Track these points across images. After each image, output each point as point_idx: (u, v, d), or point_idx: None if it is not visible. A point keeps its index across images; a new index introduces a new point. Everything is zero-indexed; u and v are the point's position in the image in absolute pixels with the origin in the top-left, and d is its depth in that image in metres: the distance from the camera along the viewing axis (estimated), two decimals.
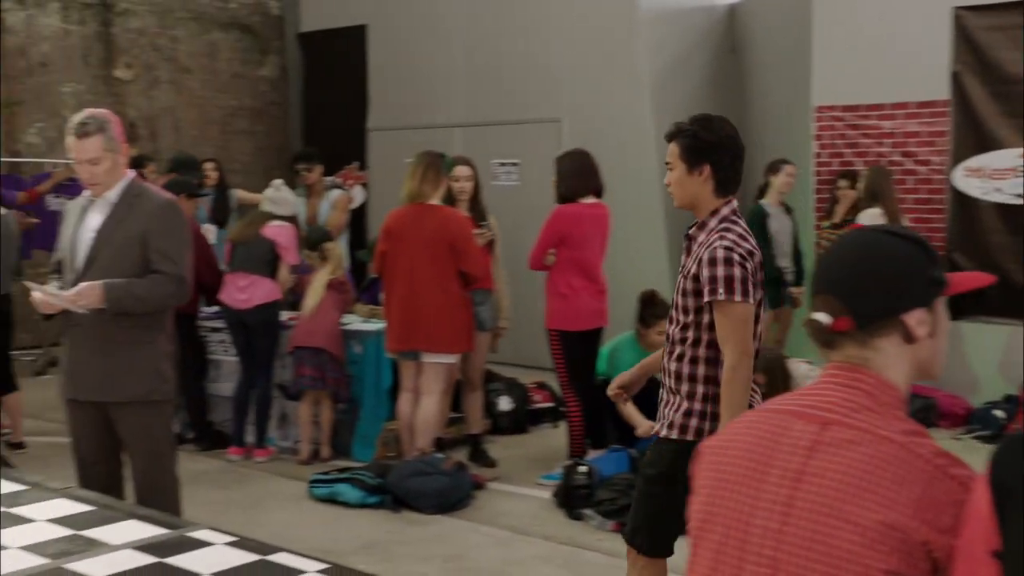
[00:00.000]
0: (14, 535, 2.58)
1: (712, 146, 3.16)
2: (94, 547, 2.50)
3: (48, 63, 10.48)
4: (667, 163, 3.23)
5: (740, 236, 3.15)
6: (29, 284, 3.72)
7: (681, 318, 3.19)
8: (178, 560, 2.41)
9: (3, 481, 3.04)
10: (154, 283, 3.63)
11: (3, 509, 2.78)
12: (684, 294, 3.18)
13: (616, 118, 8.61)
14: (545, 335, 5.78)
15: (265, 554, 2.47)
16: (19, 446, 6.05)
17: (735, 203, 3.24)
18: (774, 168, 7.12)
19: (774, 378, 5.12)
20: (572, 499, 4.97)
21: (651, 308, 5.61)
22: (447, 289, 5.37)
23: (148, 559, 2.41)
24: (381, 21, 10.39)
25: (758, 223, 7.03)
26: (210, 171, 8.46)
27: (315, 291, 5.96)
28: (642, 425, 5.57)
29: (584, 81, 8.78)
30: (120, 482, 3.89)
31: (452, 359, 5.56)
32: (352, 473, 5.32)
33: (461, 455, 5.89)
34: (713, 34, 9.28)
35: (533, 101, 9.07)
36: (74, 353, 3.69)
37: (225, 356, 6.35)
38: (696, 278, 3.13)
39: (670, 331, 3.24)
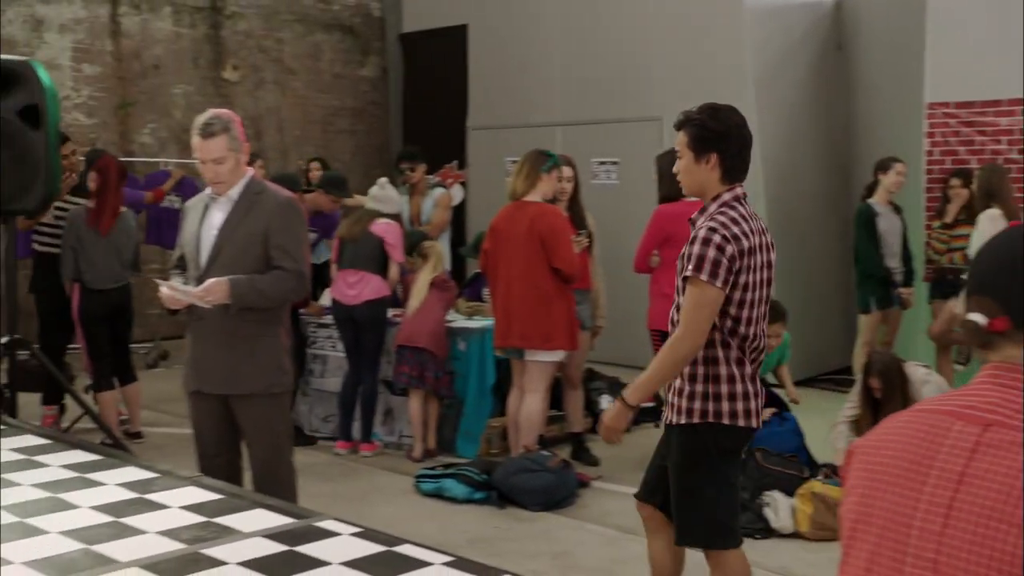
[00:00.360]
0: (150, 520, 2.67)
1: (719, 135, 3.19)
2: (226, 534, 2.58)
3: (160, 65, 10.81)
4: (675, 151, 3.28)
5: (732, 220, 3.15)
6: (157, 281, 3.84)
7: (680, 300, 3.23)
8: (307, 549, 2.47)
9: (134, 468, 3.16)
10: (276, 279, 3.73)
11: (137, 495, 2.88)
12: (678, 275, 3.24)
13: None
14: (647, 335, 5.74)
15: (391, 545, 2.51)
16: (137, 436, 6.25)
17: (739, 190, 3.24)
18: (883, 166, 6.96)
19: (890, 382, 5.02)
20: None
21: None
22: (539, 285, 5.38)
23: (279, 547, 2.47)
24: (482, 21, 10.46)
25: (866, 222, 6.90)
26: (315, 170, 8.66)
27: (419, 290, 6.03)
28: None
29: (686, 79, 8.71)
30: (239, 472, 4.00)
31: (552, 357, 5.53)
32: (458, 469, 5.38)
33: (564, 453, 5.90)
34: (818, 31, 9.13)
35: (633, 99, 9.04)
36: (199, 347, 3.80)
37: (332, 352, 6.48)
38: (683, 258, 3.20)
39: (673, 314, 3.27)
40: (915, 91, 7.76)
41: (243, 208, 3.79)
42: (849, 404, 5.39)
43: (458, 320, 6.34)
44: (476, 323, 6.21)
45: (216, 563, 2.36)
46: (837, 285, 9.17)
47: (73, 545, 2.46)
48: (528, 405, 5.50)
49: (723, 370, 3.17)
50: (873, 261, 6.89)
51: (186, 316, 3.86)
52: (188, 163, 10.33)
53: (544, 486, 5.13)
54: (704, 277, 3.08)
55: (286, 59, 12.08)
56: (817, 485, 4.71)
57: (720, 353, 3.16)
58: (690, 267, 3.12)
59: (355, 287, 5.97)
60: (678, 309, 3.20)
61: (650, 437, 6.72)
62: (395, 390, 6.10)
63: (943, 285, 7.01)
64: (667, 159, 5.65)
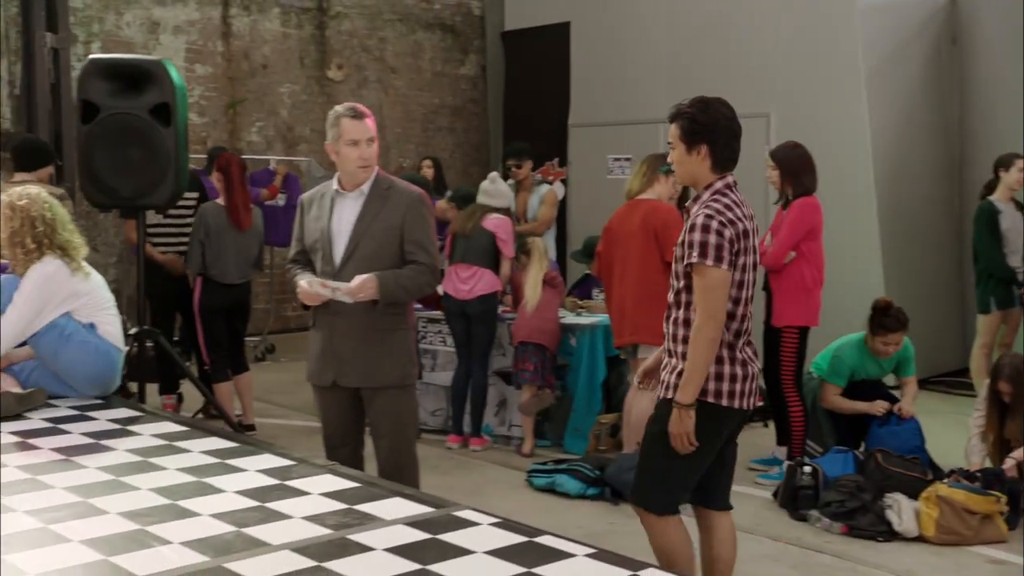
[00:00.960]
0: (294, 505, 2.74)
1: (708, 127, 3.31)
2: (369, 521, 2.62)
3: (268, 65, 11.04)
4: (669, 143, 3.39)
5: (726, 206, 3.28)
6: (296, 276, 3.87)
7: (675, 283, 3.37)
8: (449, 537, 2.50)
9: (270, 455, 3.24)
10: (416, 273, 3.79)
11: (278, 481, 2.96)
12: (677, 261, 3.37)
13: (829, 112, 8.37)
14: (771, 333, 5.61)
15: (531, 536, 2.53)
16: (251, 428, 6.39)
17: (730, 178, 3.38)
18: (1005, 163, 6.77)
19: (1021, 385, 4.87)
20: (797, 500, 4.87)
21: (882, 317, 5.41)
22: (653, 281, 5.34)
23: (422, 535, 2.51)
24: (585, 18, 10.45)
25: (988, 220, 6.72)
26: (427, 167, 8.77)
27: (534, 287, 6.05)
28: (874, 407, 5.45)
29: (795, 74, 8.58)
30: (362, 463, 4.06)
31: None
32: (571, 464, 5.38)
33: None
34: (932, 25, 8.89)
35: (739, 95, 8.80)
36: (336, 341, 3.81)
37: (442, 347, 6.54)
38: (683, 244, 3.32)
39: (669, 297, 3.41)
40: None
41: (376, 202, 3.84)
42: (977, 412, 5.24)
43: (567, 316, 6.34)
44: (586, 319, 6.21)
45: (364, 548, 2.40)
46: (950, 285, 8.93)
47: (225, 527, 2.53)
48: (641, 402, 5.47)
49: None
50: (995, 260, 6.69)
51: (313, 311, 3.89)
52: (295, 160, 10.60)
53: None
54: (710, 262, 3.22)
55: (388, 58, 12.22)
56: (943, 488, 4.59)
57: None
58: (695, 255, 3.24)
59: (468, 282, 6.01)
60: (676, 293, 3.36)
61: (756, 437, 6.67)
62: (515, 384, 6.13)
63: None
64: (799, 151, 5.56)
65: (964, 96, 8.89)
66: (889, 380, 5.98)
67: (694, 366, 3.25)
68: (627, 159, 10.07)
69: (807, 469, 4.88)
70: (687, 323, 3.33)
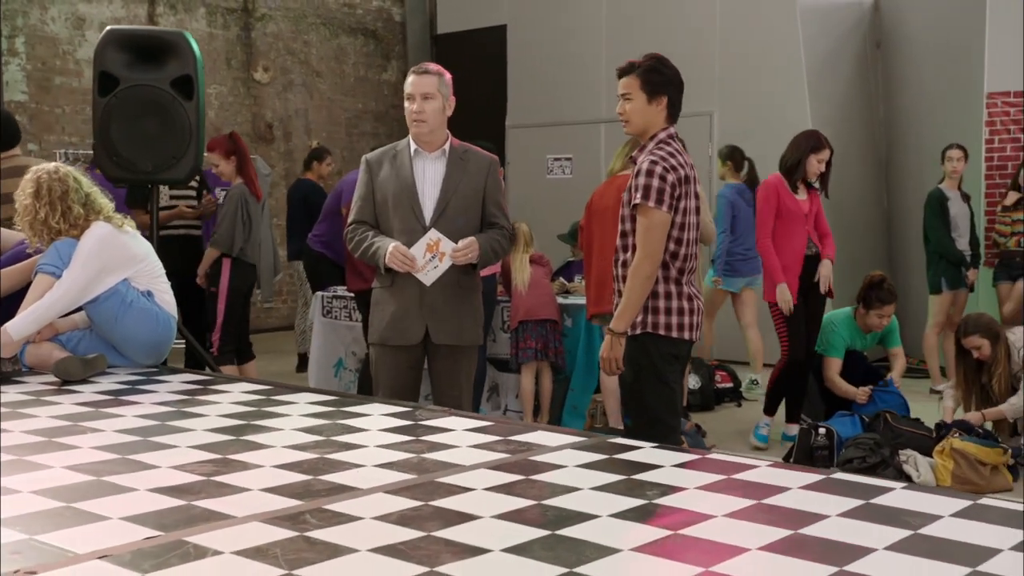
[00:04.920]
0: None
1: (669, 80, 3.59)
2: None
3: None
4: (623, 95, 3.58)
5: (669, 154, 3.51)
6: (380, 239, 3.80)
7: (622, 227, 3.60)
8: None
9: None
10: (501, 237, 3.85)
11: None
12: (624, 206, 3.59)
13: (771, 111, 8.73)
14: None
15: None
16: None
17: (672, 129, 3.62)
18: (943, 154, 7.20)
19: (995, 337, 5.26)
20: (813, 460, 5.07)
21: (877, 291, 5.71)
22: None
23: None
24: (522, 21, 10.61)
25: (938, 206, 7.11)
26: None
27: (522, 267, 6.12)
28: (859, 393, 5.70)
29: (737, 74, 8.92)
30: None
31: None
32: None
33: None
34: (859, 29, 9.39)
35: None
36: (428, 299, 3.78)
37: None
38: (630, 189, 3.53)
39: (617, 242, 3.63)
40: (966, 83, 8.01)
41: (459, 163, 3.87)
42: (950, 384, 5.61)
43: (558, 299, 6.43)
44: (582, 299, 6.31)
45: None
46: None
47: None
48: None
49: (661, 288, 3.53)
50: (945, 243, 7.10)
51: (385, 272, 3.85)
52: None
53: None
54: (651, 204, 3.44)
55: (313, 62, 12.13)
56: (956, 442, 4.86)
57: (660, 273, 3.52)
58: (638, 196, 3.46)
59: None
60: (623, 236, 3.59)
61: (734, 415, 6.92)
62: (513, 367, 6.17)
63: (1010, 268, 7.24)
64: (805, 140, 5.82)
65: (888, 97, 9.41)
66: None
67: (629, 299, 3.49)
68: (567, 158, 10.26)
69: (821, 431, 5.09)
70: None
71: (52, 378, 3.60)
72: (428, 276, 3.80)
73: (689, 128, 8.99)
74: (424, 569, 1.70)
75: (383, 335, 3.88)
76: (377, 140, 12.68)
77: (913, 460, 4.83)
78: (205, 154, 5.90)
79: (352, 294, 6.23)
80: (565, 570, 1.71)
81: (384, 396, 4.04)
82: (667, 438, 3.54)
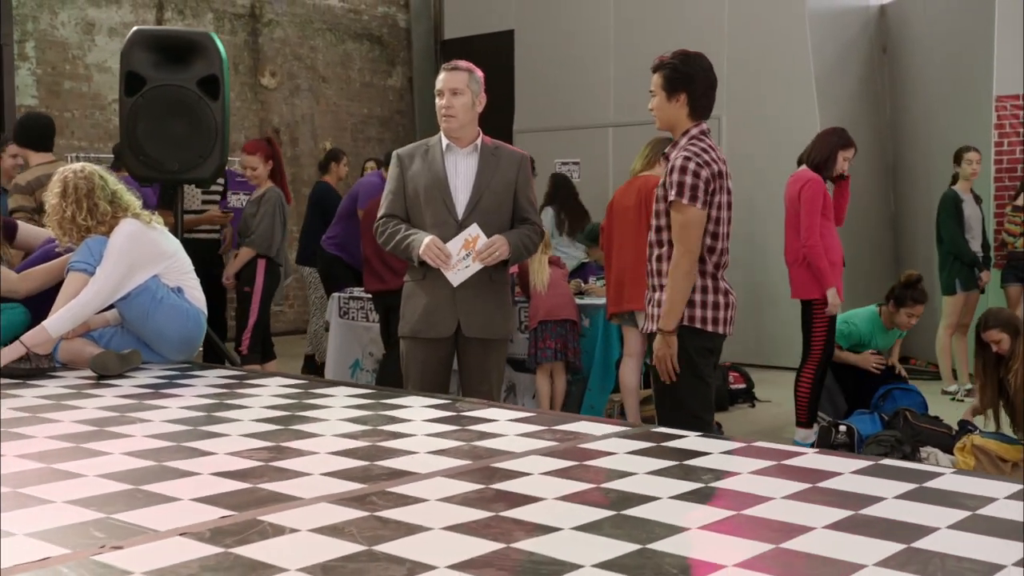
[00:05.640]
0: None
1: (688, 77, 3.58)
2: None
3: None
4: (651, 91, 3.65)
5: (702, 149, 3.54)
6: (415, 233, 3.81)
7: (655, 223, 3.64)
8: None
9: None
10: (532, 233, 3.89)
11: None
12: (658, 201, 3.61)
13: (780, 115, 8.78)
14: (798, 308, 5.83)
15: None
16: None
17: (704, 125, 3.63)
18: (958, 157, 7.24)
19: (1015, 331, 5.26)
20: None
21: (912, 291, 5.76)
22: (645, 247, 5.52)
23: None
24: (529, 26, 10.66)
25: (952, 208, 7.15)
26: (370, 170, 8.82)
27: (540, 268, 6.15)
28: (870, 359, 5.76)
29: (746, 78, 8.97)
30: None
31: None
32: None
33: None
34: (866, 33, 9.46)
35: None
36: (460, 292, 3.81)
37: None
38: (664, 186, 3.57)
39: (650, 237, 3.67)
40: (974, 86, 8.07)
41: (491, 159, 3.91)
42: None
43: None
44: (600, 300, 6.34)
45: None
46: (886, 278, 9.43)
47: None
48: (635, 373, 5.68)
49: (697, 282, 3.56)
50: (960, 245, 7.13)
51: (418, 265, 3.86)
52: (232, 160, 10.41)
53: None
54: (686, 200, 3.48)
55: (319, 67, 12.18)
56: (977, 439, 4.90)
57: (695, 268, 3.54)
58: (673, 192, 3.49)
59: None
60: (657, 231, 3.61)
61: (747, 414, 6.96)
62: (531, 367, 6.19)
63: (1018, 269, 7.29)
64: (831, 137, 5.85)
65: (894, 101, 9.47)
66: None
67: (673, 296, 3.52)
68: (575, 162, 10.30)
69: (842, 428, 5.12)
70: (670, 259, 3.58)
71: (88, 373, 3.62)
72: (457, 276, 3.82)
73: None
74: (500, 545, 1.73)
75: (414, 328, 3.90)
76: (382, 145, 12.73)
77: (934, 457, 4.87)
78: (243, 156, 5.93)
79: (369, 295, 6.26)
80: (638, 546, 1.74)
81: (414, 389, 4.08)
82: (701, 432, 3.60)
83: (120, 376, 3.58)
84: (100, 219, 3.88)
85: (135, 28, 4.92)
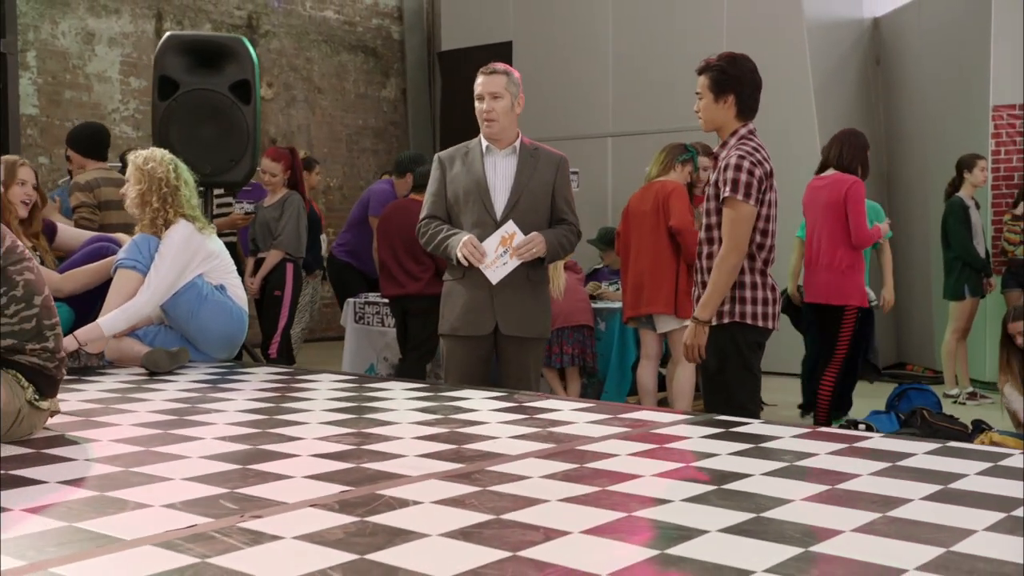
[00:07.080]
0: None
1: (736, 79, 3.64)
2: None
3: None
4: (697, 93, 3.71)
5: (753, 149, 3.59)
6: (454, 234, 3.85)
7: (706, 221, 3.68)
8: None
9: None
10: (569, 233, 3.93)
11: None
12: (709, 200, 3.67)
13: (778, 126, 8.90)
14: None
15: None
16: None
17: (752, 125, 3.69)
18: (967, 164, 7.31)
19: None
20: None
21: None
22: (664, 254, 5.61)
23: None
24: (527, 37, 10.75)
25: (960, 214, 7.23)
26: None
27: (557, 273, 6.20)
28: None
29: None
30: None
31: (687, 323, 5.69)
32: None
33: None
34: (860, 45, 9.62)
35: (686, 110, 9.31)
36: (497, 290, 3.84)
37: None
38: (717, 184, 3.61)
39: (701, 235, 3.73)
40: (970, 96, 8.23)
41: (530, 160, 3.96)
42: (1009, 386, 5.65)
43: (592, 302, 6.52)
44: (616, 304, 6.41)
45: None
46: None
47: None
48: (678, 376, 5.71)
49: (747, 278, 3.61)
50: (969, 250, 7.21)
51: (457, 265, 3.91)
52: None
53: None
54: (740, 197, 3.52)
55: (315, 78, 12.23)
56: (996, 436, 4.99)
57: (746, 264, 3.60)
58: (727, 190, 3.53)
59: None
60: (708, 229, 3.65)
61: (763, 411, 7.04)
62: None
63: (1018, 275, 7.41)
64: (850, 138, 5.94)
65: (888, 112, 9.63)
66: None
67: (715, 288, 3.57)
68: (574, 172, 10.37)
69: (861, 427, 5.21)
70: None
71: (139, 370, 3.66)
72: (496, 273, 3.87)
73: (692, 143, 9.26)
74: (622, 514, 1.80)
75: (454, 326, 3.94)
76: (376, 156, 12.79)
77: None
78: (267, 162, 5.96)
79: (385, 300, 6.30)
80: (752, 515, 1.81)
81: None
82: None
83: (170, 373, 3.62)
84: (155, 212, 3.92)
85: (168, 33, 4.96)
